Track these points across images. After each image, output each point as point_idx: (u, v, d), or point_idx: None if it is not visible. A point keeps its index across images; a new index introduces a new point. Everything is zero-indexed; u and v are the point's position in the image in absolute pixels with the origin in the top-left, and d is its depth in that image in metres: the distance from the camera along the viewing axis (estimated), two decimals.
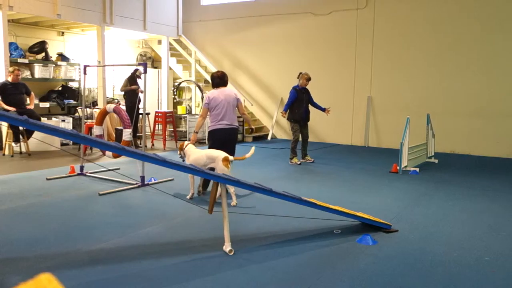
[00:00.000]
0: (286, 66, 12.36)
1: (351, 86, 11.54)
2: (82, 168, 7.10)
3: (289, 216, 4.83)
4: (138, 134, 10.32)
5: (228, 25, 13.19)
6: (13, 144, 8.74)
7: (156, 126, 11.58)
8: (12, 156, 8.63)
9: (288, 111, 8.57)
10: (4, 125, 8.87)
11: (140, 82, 9.88)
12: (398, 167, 7.74)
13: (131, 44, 13.59)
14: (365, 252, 3.91)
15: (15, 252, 3.79)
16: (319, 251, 3.91)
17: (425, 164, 8.61)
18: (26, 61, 10.03)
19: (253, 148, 5.44)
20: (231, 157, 5.32)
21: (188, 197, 5.64)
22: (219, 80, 5.87)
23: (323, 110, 8.83)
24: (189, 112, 12.65)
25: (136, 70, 10.03)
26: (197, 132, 5.84)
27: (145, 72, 6.53)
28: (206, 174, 3.88)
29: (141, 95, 10.06)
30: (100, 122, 7.03)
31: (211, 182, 5.11)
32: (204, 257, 3.73)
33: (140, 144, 10.17)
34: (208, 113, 5.83)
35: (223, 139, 5.75)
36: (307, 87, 8.70)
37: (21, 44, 10.25)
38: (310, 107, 8.84)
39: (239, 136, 11.71)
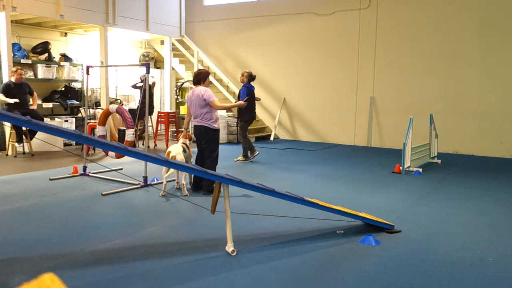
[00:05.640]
0: (289, 66, 12.37)
1: (354, 86, 11.52)
2: (85, 168, 7.11)
3: (291, 217, 4.83)
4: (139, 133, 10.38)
5: (230, 25, 13.20)
6: (16, 144, 8.76)
7: (159, 126, 11.60)
8: (15, 156, 8.65)
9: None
10: (7, 125, 8.89)
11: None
12: (401, 168, 7.72)
13: (133, 45, 13.61)
14: (368, 252, 3.91)
15: (18, 252, 3.80)
16: (322, 252, 3.90)
17: (428, 164, 8.59)
18: (29, 61, 10.05)
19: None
20: (172, 154, 5.89)
21: (161, 193, 5.84)
22: (193, 79, 6.26)
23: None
24: None
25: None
26: (186, 128, 6.34)
27: (147, 72, 6.53)
28: (208, 174, 3.87)
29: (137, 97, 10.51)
30: (103, 122, 7.05)
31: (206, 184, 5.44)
32: (207, 258, 3.73)
33: (143, 144, 10.20)
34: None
35: (196, 135, 6.15)
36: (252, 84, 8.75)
37: (24, 45, 10.28)
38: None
39: None
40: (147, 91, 6.66)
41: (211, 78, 8.68)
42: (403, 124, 9.41)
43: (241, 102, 7.21)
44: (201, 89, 5.96)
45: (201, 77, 6.10)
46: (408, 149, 7.72)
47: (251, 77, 8.65)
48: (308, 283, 3.27)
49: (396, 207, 5.45)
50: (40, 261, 3.61)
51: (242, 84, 8.69)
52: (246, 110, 8.46)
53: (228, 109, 6.08)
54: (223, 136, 11.07)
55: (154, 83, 10.45)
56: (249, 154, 8.77)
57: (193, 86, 6.20)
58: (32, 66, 10.26)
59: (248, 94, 8.44)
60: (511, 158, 9.67)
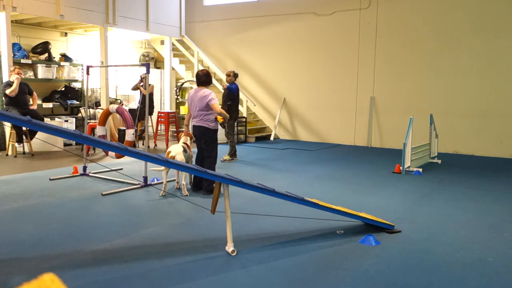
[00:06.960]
0: (289, 66, 12.37)
1: (354, 86, 11.52)
2: (85, 168, 7.11)
3: (291, 217, 4.83)
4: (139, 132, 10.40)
5: (230, 25, 13.20)
6: (16, 144, 8.76)
7: (159, 126, 11.60)
8: (15, 156, 8.65)
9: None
10: (8, 125, 8.89)
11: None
12: (401, 168, 7.72)
13: (134, 45, 13.61)
14: (368, 252, 3.90)
15: (18, 252, 3.80)
16: (322, 252, 3.90)
17: (428, 164, 8.59)
18: (29, 61, 10.05)
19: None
20: (172, 154, 5.86)
21: (161, 193, 5.84)
22: (196, 79, 6.21)
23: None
24: None
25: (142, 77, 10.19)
26: (187, 126, 6.34)
27: (148, 72, 6.53)
28: (208, 174, 3.87)
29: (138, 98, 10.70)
30: (103, 122, 7.05)
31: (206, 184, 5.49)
32: (206, 258, 3.73)
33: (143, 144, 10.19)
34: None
35: (195, 135, 6.19)
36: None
37: (24, 45, 10.27)
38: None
39: (242, 137, 11.70)
40: (147, 91, 6.66)
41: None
42: (403, 124, 9.40)
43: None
44: (205, 91, 5.99)
45: (209, 80, 6.13)
46: (408, 149, 7.72)
47: (236, 76, 8.71)
48: (308, 283, 3.27)
49: (396, 207, 5.45)
50: (40, 261, 3.61)
51: (227, 85, 8.64)
52: (234, 109, 8.61)
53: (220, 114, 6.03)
54: (221, 136, 11.07)
55: (152, 86, 10.46)
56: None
57: (194, 86, 6.19)
58: (32, 66, 10.26)
59: (234, 96, 8.57)
60: (511, 158, 9.67)
